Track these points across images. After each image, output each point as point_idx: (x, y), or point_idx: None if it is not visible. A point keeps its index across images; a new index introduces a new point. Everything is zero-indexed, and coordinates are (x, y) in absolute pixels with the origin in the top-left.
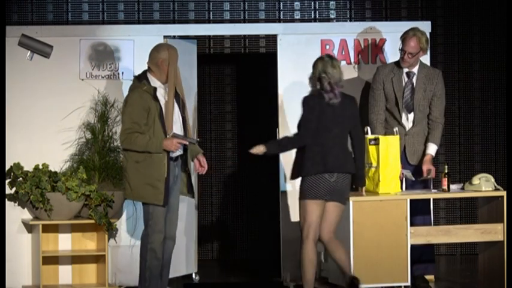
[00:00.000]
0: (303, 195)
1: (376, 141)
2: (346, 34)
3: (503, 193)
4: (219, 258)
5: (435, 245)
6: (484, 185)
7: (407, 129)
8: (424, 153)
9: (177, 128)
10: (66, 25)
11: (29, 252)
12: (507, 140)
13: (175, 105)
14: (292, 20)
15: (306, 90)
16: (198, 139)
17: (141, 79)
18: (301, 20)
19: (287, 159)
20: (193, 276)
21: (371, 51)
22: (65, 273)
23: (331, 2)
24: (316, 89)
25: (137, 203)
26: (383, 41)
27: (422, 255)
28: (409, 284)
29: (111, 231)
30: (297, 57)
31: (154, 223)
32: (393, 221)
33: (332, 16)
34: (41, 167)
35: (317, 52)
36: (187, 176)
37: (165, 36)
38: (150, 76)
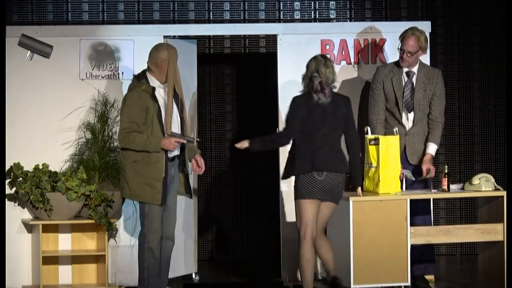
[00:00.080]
0: (297, 195)
1: (376, 141)
2: (346, 34)
3: (503, 193)
4: (219, 258)
5: (435, 245)
6: (484, 185)
7: (407, 129)
8: (424, 153)
9: (175, 127)
10: (66, 25)
11: (29, 252)
12: (507, 140)
13: (174, 105)
14: (292, 20)
15: None
16: (198, 139)
17: (140, 78)
18: (301, 20)
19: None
20: (193, 276)
21: (371, 51)
22: (65, 273)
23: (331, 2)
24: (307, 89)
25: (137, 202)
26: (383, 41)
27: (422, 255)
28: (409, 284)
29: (111, 231)
30: (297, 57)
31: (150, 222)
32: (393, 221)
33: (332, 16)
34: (41, 167)
35: (317, 52)
36: (184, 176)
37: (165, 36)
38: (149, 76)
